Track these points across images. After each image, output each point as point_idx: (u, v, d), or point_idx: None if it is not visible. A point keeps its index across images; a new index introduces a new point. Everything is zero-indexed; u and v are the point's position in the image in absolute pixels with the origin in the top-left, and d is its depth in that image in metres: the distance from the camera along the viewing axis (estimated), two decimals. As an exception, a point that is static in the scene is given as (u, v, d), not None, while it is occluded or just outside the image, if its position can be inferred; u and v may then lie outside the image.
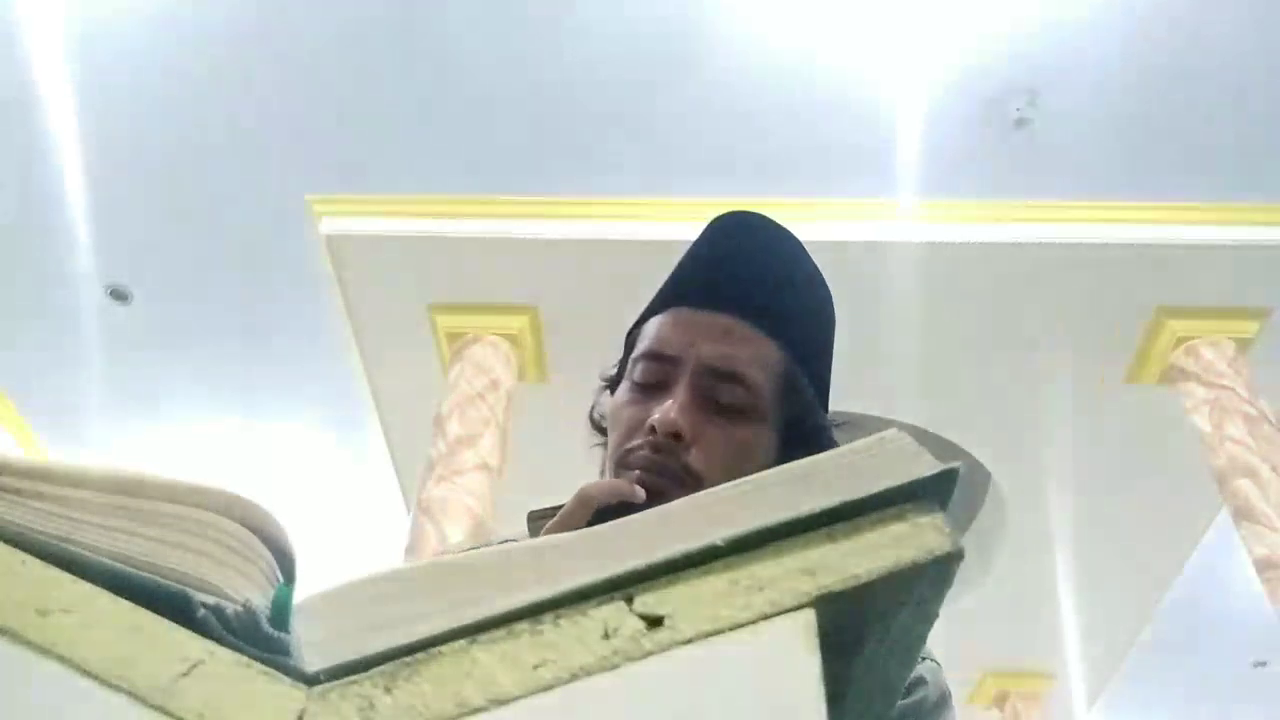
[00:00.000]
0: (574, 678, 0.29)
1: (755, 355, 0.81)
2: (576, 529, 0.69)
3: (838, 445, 0.83)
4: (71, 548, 0.30)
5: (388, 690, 0.28)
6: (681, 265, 0.91)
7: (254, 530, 0.33)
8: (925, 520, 0.32)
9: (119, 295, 4.61)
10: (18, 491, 0.31)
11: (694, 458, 0.77)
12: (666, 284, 0.90)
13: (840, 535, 0.32)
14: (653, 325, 0.86)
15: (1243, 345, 4.29)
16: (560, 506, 0.88)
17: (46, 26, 3.65)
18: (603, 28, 3.63)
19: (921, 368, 4.49)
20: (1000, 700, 6.65)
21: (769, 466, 0.76)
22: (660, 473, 0.77)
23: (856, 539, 0.32)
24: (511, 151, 4.01)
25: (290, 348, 4.83)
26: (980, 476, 5.16)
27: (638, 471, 0.78)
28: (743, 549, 0.32)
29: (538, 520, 0.88)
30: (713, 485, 0.71)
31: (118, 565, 0.30)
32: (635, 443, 0.79)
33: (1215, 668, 6.66)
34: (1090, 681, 6.59)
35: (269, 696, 0.28)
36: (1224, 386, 4.13)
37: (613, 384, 0.90)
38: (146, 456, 5.37)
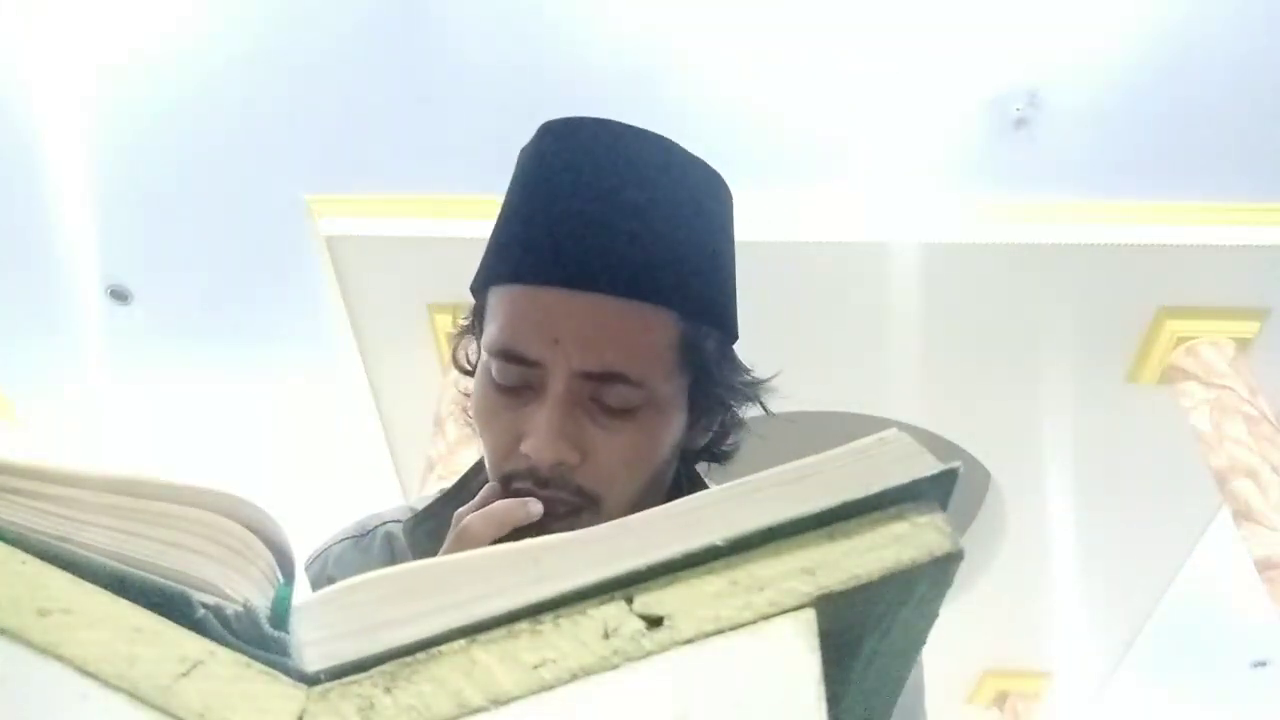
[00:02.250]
0: (574, 678, 0.29)
1: (639, 342, 0.65)
2: None
3: (751, 392, 0.75)
4: (71, 548, 0.30)
5: (388, 690, 0.28)
6: (522, 207, 0.70)
7: (253, 530, 0.33)
8: (925, 520, 0.32)
9: (119, 295, 4.61)
10: (17, 491, 0.31)
11: (586, 477, 0.66)
12: (505, 233, 0.70)
13: (840, 535, 0.32)
14: (502, 308, 0.68)
15: (1243, 345, 4.29)
16: (438, 498, 0.80)
17: (47, 26, 3.65)
18: (602, 26, 3.63)
19: (921, 368, 4.48)
20: (1000, 700, 6.65)
21: (677, 442, 0.72)
22: (553, 511, 0.65)
23: (856, 539, 0.32)
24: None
25: (290, 348, 4.83)
26: (980, 476, 5.16)
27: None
28: (743, 549, 0.31)
29: (417, 527, 0.78)
30: (615, 495, 0.68)
31: (118, 565, 0.30)
32: (514, 467, 0.67)
33: (1215, 668, 6.65)
34: (1090, 681, 6.59)
35: (269, 696, 0.28)
36: (1224, 386, 4.13)
37: (474, 332, 0.75)
38: (146, 456, 5.37)
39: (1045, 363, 4.47)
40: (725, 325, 0.72)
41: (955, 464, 0.33)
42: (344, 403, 5.01)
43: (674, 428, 0.70)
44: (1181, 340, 4.28)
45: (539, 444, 0.65)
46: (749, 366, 0.76)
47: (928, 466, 0.33)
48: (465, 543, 0.63)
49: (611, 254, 0.65)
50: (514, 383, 0.68)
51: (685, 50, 3.68)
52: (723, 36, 3.64)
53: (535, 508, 0.64)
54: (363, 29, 3.66)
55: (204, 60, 3.75)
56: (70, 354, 4.87)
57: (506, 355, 0.67)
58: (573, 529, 0.68)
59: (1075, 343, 4.39)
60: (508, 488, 0.68)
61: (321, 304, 4.52)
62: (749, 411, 0.78)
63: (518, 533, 0.63)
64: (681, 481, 0.77)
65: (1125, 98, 3.74)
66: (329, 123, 3.95)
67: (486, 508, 0.65)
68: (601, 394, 0.66)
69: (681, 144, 0.72)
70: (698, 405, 0.72)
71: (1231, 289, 4.18)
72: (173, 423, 5.31)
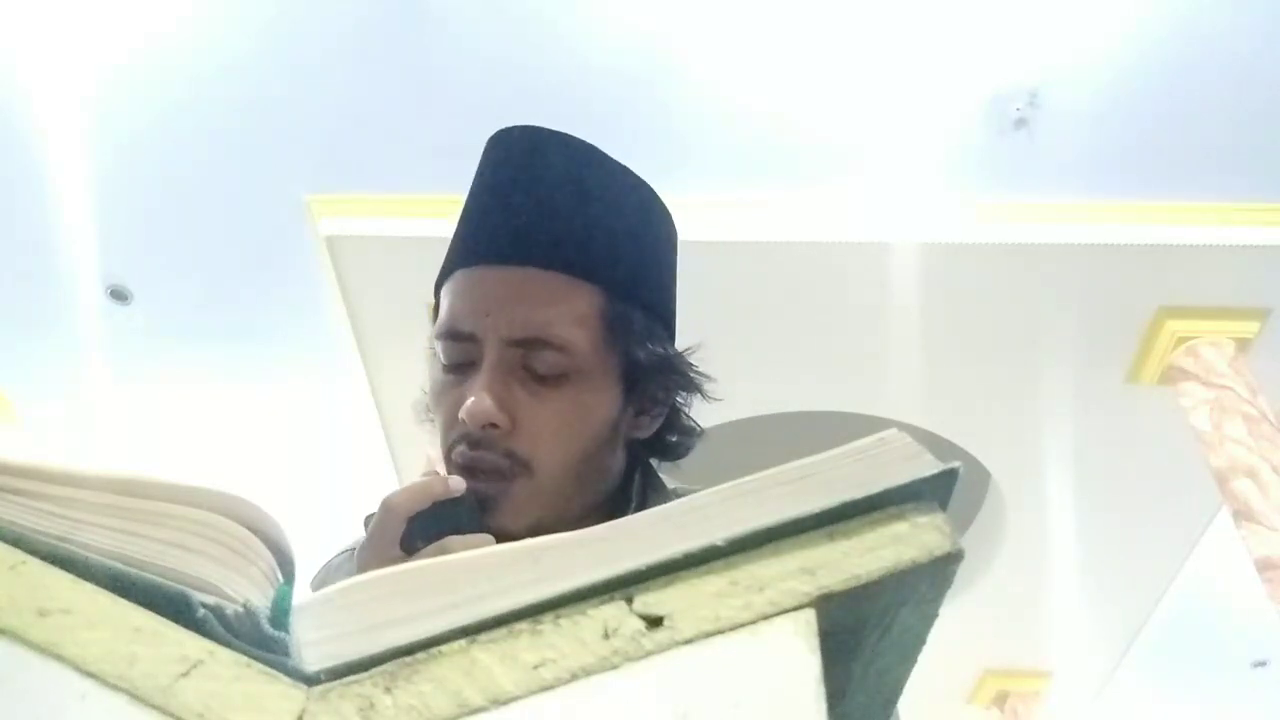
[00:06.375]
0: (574, 678, 0.29)
1: (562, 309, 0.70)
2: (389, 542, 0.65)
3: (688, 374, 0.77)
4: (71, 548, 0.30)
5: (388, 690, 0.28)
6: (465, 209, 0.77)
7: (253, 530, 0.33)
8: (925, 520, 0.32)
9: (119, 295, 4.61)
10: (18, 491, 0.31)
11: (518, 442, 0.70)
12: (455, 232, 0.77)
13: (840, 535, 0.32)
14: (445, 293, 0.75)
15: (1243, 345, 4.28)
16: None
17: (47, 26, 3.65)
18: (602, 27, 3.63)
19: (922, 368, 4.48)
20: (1000, 700, 6.65)
21: (611, 420, 0.74)
22: (485, 473, 0.69)
23: (856, 539, 0.32)
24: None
25: (290, 348, 4.83)
26: (980, 476, 5.16)
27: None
28: (743, 549, 0.31)
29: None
30: (546, 462, 0.70)
31: (118, 565, 0.30)
32: (454, 436, 0.71)
33: (1215, 668, 6.65)
34: (1090, 681, 6.59)
35: (269, 696, 0.28)
36: (1224, 386, 4.13)
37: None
38: (146, 457, 5.37)
39: (1045, 363, 4.47)
40: (655, 310, 0.76)
41: (955, 464, 0.33)
42: (344, 403, 5.01)
43: (604, 403, 0.73)
44: (1181, 340, 4.28)
45: (471, 405, 0.69)
46: (682, 349, 0.78)
47: (928, 466, 0.33)
48: (386, 516, 0.66)
49: (538, 230, 0.71)
50: (458, 360, 0.73)
51: (685, 50, 3.68)
52: (722, 37, 3.64)
53: (456, 483, 0.67)
54: (363, 29, 3.66)
55: (204, 60, 3.75)
56: (70, 354, 4.87)
57: (448, 334, 0.73)
58: (505, 495, 0.69)
59: (1075, 343, 4.39)
60: (449, 461, 0.72)
61: (321, 304, 4.52)
62: (706, 412, 0.80)
63: (440, 507, 0.66)
64: (633, 474, 0.80)
65: (1125, 98, 3.74)
66: (329, 123, 3.95)
67: (410, 484, 0.68)
68: (531, 361, 0.70)
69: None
70: (633, 389, 0.75)
71: (1231, 289, 4.18)
72: (172, 423, 5.31)
